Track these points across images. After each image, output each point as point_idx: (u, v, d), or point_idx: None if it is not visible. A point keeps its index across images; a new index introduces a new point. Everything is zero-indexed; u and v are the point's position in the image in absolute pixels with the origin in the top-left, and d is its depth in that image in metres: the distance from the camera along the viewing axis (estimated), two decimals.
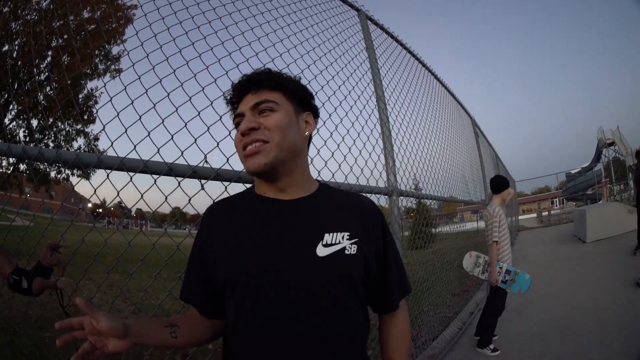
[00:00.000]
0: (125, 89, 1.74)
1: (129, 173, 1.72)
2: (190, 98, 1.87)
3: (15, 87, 6.32)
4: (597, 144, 23.38)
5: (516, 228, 15.14)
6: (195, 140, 1.81)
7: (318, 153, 2.06)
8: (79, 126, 10.18)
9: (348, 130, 2.42)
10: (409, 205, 4.23)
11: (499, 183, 3.96)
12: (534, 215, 25.85)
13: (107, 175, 1.74)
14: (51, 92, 9.26)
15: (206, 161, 1.81)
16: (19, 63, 7.86)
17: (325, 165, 2.11)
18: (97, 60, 9.30)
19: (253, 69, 1.03)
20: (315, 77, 2.42)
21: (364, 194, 1.37)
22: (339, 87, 2.57)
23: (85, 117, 9.90)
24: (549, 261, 7.91)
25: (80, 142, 10.53)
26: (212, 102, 1.89)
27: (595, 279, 5.92)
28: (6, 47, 8.12)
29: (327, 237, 0.91)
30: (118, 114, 1.73)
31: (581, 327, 3.94)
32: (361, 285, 0.95)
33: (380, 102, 2.78)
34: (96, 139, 9.75)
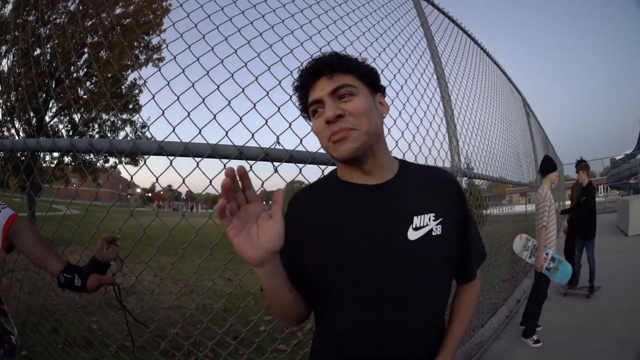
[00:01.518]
0: (183, 71, 1.74)
1: (195, 159, 1.73)
2: (256, 78, 1.85)
3: (54, 85, 6.54)
4: None
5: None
6: (266, 121, 1.79)
7: (389, 133, 2.01)
8: (124, 116, 10.47)
9: (415, 109, 2.35)
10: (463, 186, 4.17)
11: (547, 165, 3.89)
12: None
13: (171, 162, 1.76)
14: (92, 86, 9.62)
15: (278, 142, 1.78)
16: (54, 64, 8.12)
17: (397, 145, 2.06)
18: (136, 52, 9.51)
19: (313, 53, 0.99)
20: (374, 60, 2.37)
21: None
22: (399, 70, 2.51)
23: (131, 106, 10.15)
24: None
25: (127, 130, 10.88)
26: (280, 82, 1.87)
27: (635, 276, 5.76)
28: (38, 51, 8.35)
29: (416, 220, 0.92)
30: (178, 97, 1.75)
31: (614, 325, 3.88)
32: (447, 263, 0.97)
33: (442, 80, 2.69)
34: (143, 126, 10.05)
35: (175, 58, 1.84)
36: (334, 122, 0.87)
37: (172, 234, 1.76)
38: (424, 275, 0.91)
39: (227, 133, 1.76)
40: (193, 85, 1.79)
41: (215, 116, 1.77)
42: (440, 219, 0.94)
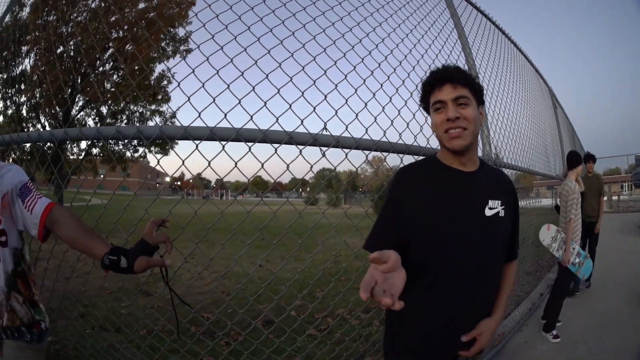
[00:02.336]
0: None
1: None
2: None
3: (79, 80, 6.69)
4: None
5: None
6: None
7: (426, 121, 2.06)
8: (152, 106, 10.69)
9: None
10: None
11: (573, 158, 3.92)
12: (605, 198, 23.70)
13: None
14: (118, 79, 9.85)
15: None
16: (78, 59, 8.28)
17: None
18: (163, 44, 9.69)
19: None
20: (410, 51, 2.44)
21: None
22: (433, 60, 2.57)
23: (160, 97, 10.34)
24: (609, 252, 7.38)
25: (156, 120, 11.09)
26: (303, 68, 1.96)
27: None
28: (61, 49, 8.51)
29: (491, 203, 1.25)
30: (203, 84, 1.83)
31: (632, 325, 3.87)
32: (506, 239, 1.33)
33: (472, 71, 2.73)
34: (173, 116, 10.26)
35: (199, 47, 1.90)
36: (453, 120, 1.17)
37: (202, 221, 1.83)
38: (495, 245, 1.26)
39: (252, 117, 1.85)
40: (218, 73, 1.85)
41: (240, 101, 1.85)
42: (504, 206, 1.28)
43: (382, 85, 2.25)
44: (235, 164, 1.85)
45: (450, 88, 1.20)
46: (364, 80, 2.16)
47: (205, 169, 1.87)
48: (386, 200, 1.31)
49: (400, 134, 2.21)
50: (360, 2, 2.29)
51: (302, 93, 1.94)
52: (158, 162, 1.95)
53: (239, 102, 1.85)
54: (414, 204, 1.22)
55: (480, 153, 2.54)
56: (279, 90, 1.91)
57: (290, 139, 1.85)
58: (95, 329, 3.16)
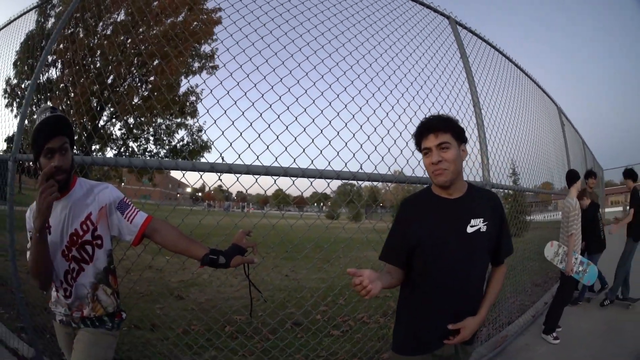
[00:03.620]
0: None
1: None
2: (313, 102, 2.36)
3: (108, 93, 7.06)
4: None
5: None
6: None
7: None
8: (178, 120, 11.24)
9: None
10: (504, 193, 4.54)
11: (571, 176, 4.26)
12: (621, 208, 23.31)
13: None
14: (146, 92, 10.29)
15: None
16: (107, 72, 8.68)
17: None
18: (189, 60, 10.11)
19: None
20: (418, 92, 2.91)
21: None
22: (439, 93, 3.00)
23: (189, 111, 10.85)
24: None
25: (182, 133, 11.49)
26: (328, 104, 2.40)
27: None
28: (88, 60, 8.94)
29: (472, 222, 1.58)
30: (233, 122, 2.31)
31: (633, 334, 4.09)
32: (488, 250, 1.63)
33: (476, 108, 3.09)
34: (199, 130, 10.69)
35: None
36: (436, 164, 1.53)
37: (225, 232, 2.26)
38: (475, 254, 1.57)
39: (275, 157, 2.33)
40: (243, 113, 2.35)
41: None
42: (487, 222, 1.58)
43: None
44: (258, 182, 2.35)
45: (433, 137, 1.54)
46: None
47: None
48: (394, 222, 1.72)
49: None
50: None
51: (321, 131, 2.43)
52: (183, 175, 2.36)
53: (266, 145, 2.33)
54: (415, 225, 1.60)
55: (479, 179, 2.94)
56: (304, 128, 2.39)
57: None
58: (131, 327, 3.57)
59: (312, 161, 2.37)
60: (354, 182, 2.54)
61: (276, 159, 2.30)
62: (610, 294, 5.15)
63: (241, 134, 2.29)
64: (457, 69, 3.32)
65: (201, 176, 2.33)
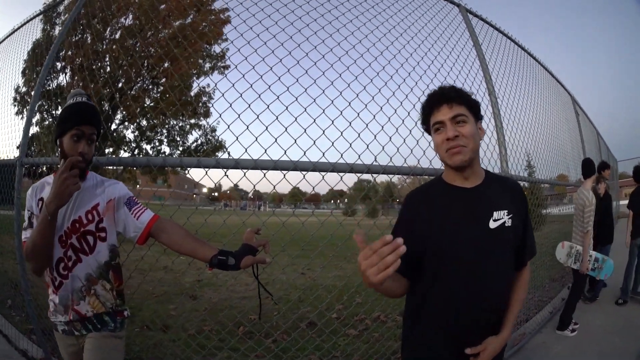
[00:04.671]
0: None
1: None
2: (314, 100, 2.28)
3: (118, 97, 7.06)
4: None
5: (616, 215, 12.56)
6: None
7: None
8: (192, 120, 11.23)
9: None
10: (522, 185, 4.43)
11: (587, 169, 4.12)
12: None
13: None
14: (157, 94, 10.32)
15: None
16: (116, 75, 8.70)
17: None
18: (200, 60, 10.10)
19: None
20: (432, 80, 2.81)
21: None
22: (454, 82, 2.93)
23: (203, 111, 10.83)
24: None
25: (196, 134, 11.49)
26: (331, 101, 2.31)
27: None
28: (97, 65, 8.83)
29: (495, 214, 1.29)
30: (239, 115, 2.23)
31: None
32: (513, 247, 1.34)
33: (492, 97, 2.98)
34: (213, 130, 10.67)
35: (237, 67, 2.35)
36: (452, 139, 1.25)
37: (239, 230, 2.11)
38: (500, 255, 1.29)
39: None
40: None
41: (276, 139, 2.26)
42: (511, 215, 1.30)
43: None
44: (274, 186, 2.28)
45: (447, 108, 1.27)
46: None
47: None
48: (397, 221, 1.42)
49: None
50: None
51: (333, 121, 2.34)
52: (206, 172, 2.30)
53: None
54: (422, 223, 1.31)
55: (498, 171, 2.81)
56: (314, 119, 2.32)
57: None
58: (144, 328, 3.56)
59: (323, 154, 2.29)
60: (369, 176, 2.44)
61: (285, 152, 2.21)
62: (623, 295, 5.02)
63: (247, 127, 2.20)
64: (470, 58, 3.21)
65: (206, 172, 2.25)
